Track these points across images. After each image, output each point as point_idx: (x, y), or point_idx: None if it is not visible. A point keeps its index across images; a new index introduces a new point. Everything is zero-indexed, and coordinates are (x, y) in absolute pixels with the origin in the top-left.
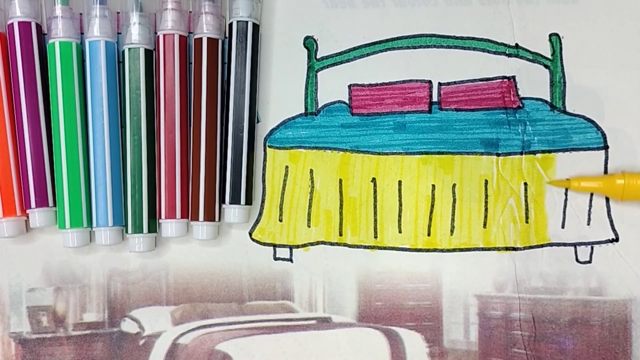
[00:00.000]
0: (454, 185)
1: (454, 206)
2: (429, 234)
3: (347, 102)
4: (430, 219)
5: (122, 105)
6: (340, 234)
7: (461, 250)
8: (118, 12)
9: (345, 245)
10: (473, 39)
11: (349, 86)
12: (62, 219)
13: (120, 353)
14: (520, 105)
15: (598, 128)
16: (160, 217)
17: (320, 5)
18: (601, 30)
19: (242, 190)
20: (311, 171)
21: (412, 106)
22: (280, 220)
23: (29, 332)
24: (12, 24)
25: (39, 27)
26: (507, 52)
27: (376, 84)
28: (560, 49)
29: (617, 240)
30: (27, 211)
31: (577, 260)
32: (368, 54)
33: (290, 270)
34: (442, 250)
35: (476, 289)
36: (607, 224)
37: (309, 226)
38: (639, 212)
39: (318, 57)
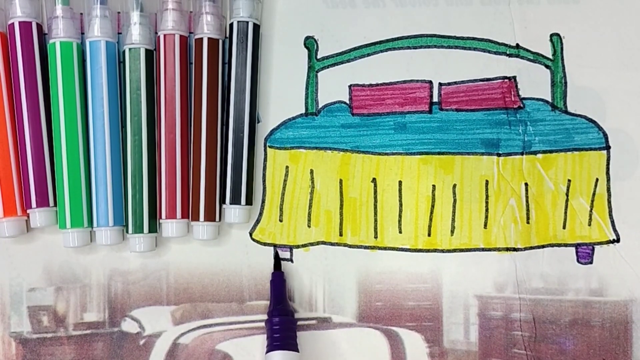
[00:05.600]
0: (455, 185)
1: (454, 206)
2: (429, 235)
3: (348, 102)
4: (431, 220)
5: (123, 106)
6: (341, 234)
7: (461, 250)
8: (119, 12)
9: (345, 245)
10: (474, 39)
11: (350, 86)
12: (63, 218)
13: (120, 353)
14: (521, 105)
15: (599, 128)
16: (160, 217)
17: (321, 5)
18: (602, 31)
19: (242, 190)
20: (311, 171)
21: (412, 106)
22: (281, 221)
23: (29, 332)
24: (13, 23)
25: (39, 27)
26: (507, 52)
27: (377, 84)
28: (561, 49)
29: (618, 241)
30: (28, 211)
31: (578, 260)
32: (368, 54)
33: (291, 271)
34: (442, 251)
35: (476, 289)
36: (609, 225)
37: (309, 226)
38: None
39: (318, 57)
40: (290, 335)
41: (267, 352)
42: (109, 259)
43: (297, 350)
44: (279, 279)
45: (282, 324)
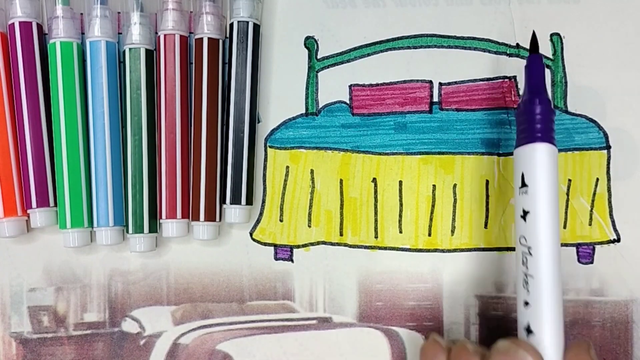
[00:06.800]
0: (455, 185)
1: (454, 206)
2: (429, 234)
3: (348, 102)
4: (431, 219)
5: (123, 106)
6: (341, 234)
7: (462, 250)
8: (119, 12)
9: (345, 245)
10: (474, 39)
11: (350, 86)
12: (63, 219)
13: (121, 353)
14: None
15: (600, 128)
16: (161, 217)
17: (321, 5)
18: (603, 30)
19: (242, 190)
20: (312, 171)
21: (412, 106)
22: (281, 221)
23: (29, 332)
24: (13, 24)
25: (39, 27)
26: (508, 52)
27: (377, 84)
28: (562, 48)
29: (618, 240)
30: (28, 211)
31: (578, 260)
32: (369, 54)
33: (291, 270)
34: (442, 251)
35: (477, 289)
36: (609, 225)
37: (309, 226)
38: None
39: (319, 57)
40: (552, 128)
41: (523, 143)
42: (109, 259)
43: (557, 146)
44: (538, 62)
45: (545, 113)
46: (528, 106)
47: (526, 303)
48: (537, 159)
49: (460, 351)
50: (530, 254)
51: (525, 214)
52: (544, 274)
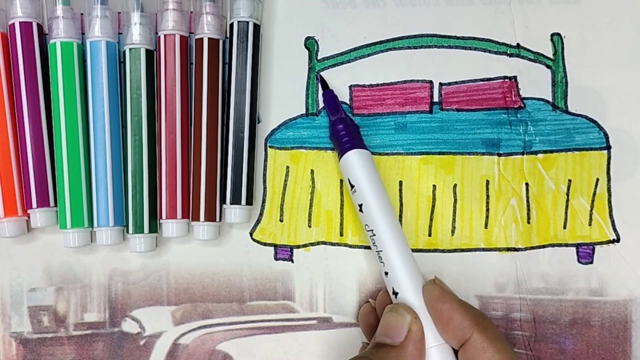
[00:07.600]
0: (455, 185)
1: (455, 206)
2: (429, 235)
3: (348, 102)
4: (431, 220)
5: (123, 106)
6: (341, 234)
7: (462, 250)
8: (119, 13)
9: (345, 245)
10: (474, 39)
11: (350, 86)
12: (63, 219)
13: (121, 353)
14: (522, 105)
15: (600, 128)
16: (161, 217)
17: (321, 5)
18: (603, 30)
19: (242, 190)
20: (312, 171)
21: (413, 106)
22: (281, 221)
23: (30, 332)
24: (14, 24)
25: (40, 27)
26: (508, 52)
27: (377, 84)
28: (562, 48)
29: (618, 241)
30: (29, 211)
31: (578, 260)
32: (369, 54)
33: (291, 271)
34: (442, 251)
35: (477, 289)
36: (609, 225)
37: (309, 226)
38: None
39: (319, 57)
40: (358, 137)
41: (341, 156)
42: (109, 259)
43: (367, 149)
44: (331, 95)
45: (347, 128)
46: (333, 127)
47: (386, 273)
48: (352, 165)
49: (380, 296)
50: (375, 234)
51: (360, 207)
52: (389, 247)
